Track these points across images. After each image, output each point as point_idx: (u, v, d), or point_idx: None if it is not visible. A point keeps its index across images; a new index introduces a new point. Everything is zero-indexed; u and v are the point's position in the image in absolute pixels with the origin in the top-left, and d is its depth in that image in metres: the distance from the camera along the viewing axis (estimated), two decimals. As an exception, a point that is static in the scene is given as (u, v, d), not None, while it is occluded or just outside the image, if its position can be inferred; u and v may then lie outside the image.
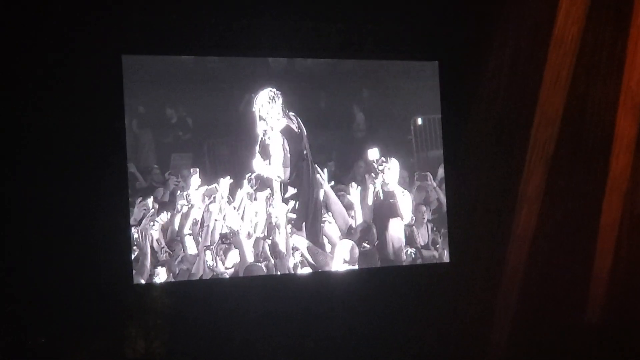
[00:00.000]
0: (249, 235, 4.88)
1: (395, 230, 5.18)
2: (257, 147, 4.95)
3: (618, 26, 4.94)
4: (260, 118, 4.96)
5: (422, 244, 5.24)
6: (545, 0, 4.89)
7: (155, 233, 4.73)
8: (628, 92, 4.95)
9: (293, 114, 5.02)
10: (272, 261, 4.91)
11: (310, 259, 4.98)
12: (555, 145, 4.97)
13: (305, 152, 5.04)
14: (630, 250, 5.07)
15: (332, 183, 5.09)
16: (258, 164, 4.93)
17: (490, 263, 5.07)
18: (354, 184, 5.13)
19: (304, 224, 5.00)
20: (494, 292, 5.07)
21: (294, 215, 4.98)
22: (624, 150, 4.98)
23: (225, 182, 4.85)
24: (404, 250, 5.20)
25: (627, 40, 4.94)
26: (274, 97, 4.97)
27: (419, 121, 5.30)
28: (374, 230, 5.13)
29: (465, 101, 5.14)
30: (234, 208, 4.86)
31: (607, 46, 4.97)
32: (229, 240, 4.83)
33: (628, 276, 5.09)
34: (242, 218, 4.88)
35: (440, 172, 5.29)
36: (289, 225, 4.96)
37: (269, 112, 4.97)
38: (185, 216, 4.80)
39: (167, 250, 4.76)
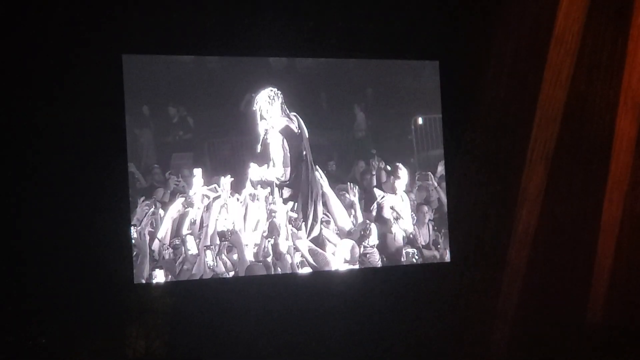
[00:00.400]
0: (250, 235, 4.88)
1: (397, 229, 5.19)
2: (259, 147, 4.95)
3: (618, 26, 4.94)
4: (261, 117, 4.96)
5: (423, 243, 5.23)
6: (546, 1, 4.88)
7: (156, 233, 4.73)
8: (628, 92, 4.95)
9: (294, 114, 5.03)
10: (273, 261, 4.90)
11: (310, 259, 4.98)
12: (555, 144, 4.96)
13: (304, 152, 5.04)
14: (631, 250, 5.06)
15: (333, 183, 5.09)
16: (255, 171, 4.93)
17: (491, 263, 5.06)
18: (352, 184, 5.12)
19: (303, 223, 5.00)
20: (495, 292, 5.06)
21: (294, 215, 4.98)
22: (624, 149, 4.97)
23: (226, 181, 4.85)
24: (405, 250, 5.20)
25: (627, 40, 4.94)
26: (273, 97, 4.98)
27: (420, 120, 5.30)
28: (375, 230, 5.13)
29: (466, 101, 5.14)
30: (238, 200, 4.86)
31: (607, 45, 4.96)
32: (227, 239, 4.83)
33: (629, 275, 5.08)
34: (245, 217, 4.88)
35: (441, 171, 5.29)
36: (289, 225, 4.96)
37: (269, 111, 4.97)
38: (185, 216, 4.80)
39: (170, 249, 4.76)
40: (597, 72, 4.96)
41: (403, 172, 5.22)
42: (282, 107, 5.00)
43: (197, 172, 4.83)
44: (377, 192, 5.18)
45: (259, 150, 4.96)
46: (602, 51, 4.95)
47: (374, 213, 5.17)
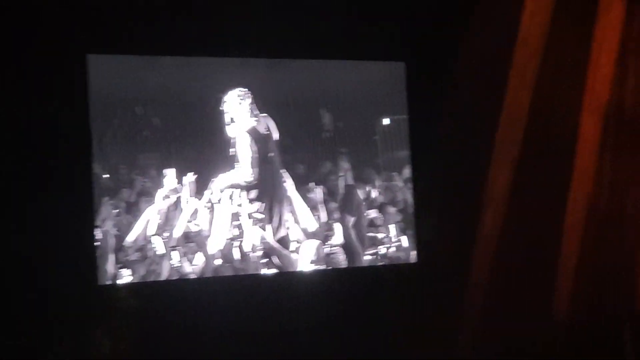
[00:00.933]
0: (215, 236, 4.87)
1: (364, 230, 5.20)
2: (230, 149, 4.94)
3: (582, 28, 4.97)
4: (230, 118, 4.96)
5: (390, 244, 5.24)
6: (511, 3, 4.90)
7: (124, 234, 4.71)
8: (592, 94, 4.97)
9: (263, 114, 5.03)
10: (239, 262, 4.90)
11: (276, 260, 4.98)
12: (521, 145, 4.97)
13: (272, 153, 5.04)
14: (595, 249, 5.09)
15: (299, 183, 5.09)
16: (221, 179, 4.92)
17: (457, 263, 5.06)
18: (317, 185, 5.13)
19: (269, 224, 4.99)
20: (461, 292, 5.06)
21: (260, 216, 4.98)
22: (588, 150, 5.00)
23: (192, 181, 4.84)
24: (371, 250, 5.21)
25: (591, 43, 4.97)
26: (242, 97, 4.98)
27: (386, 121, 5.31)
28: (340, 230, 5.13)
29: (432, 102, 5.12)
30: (204, 200, 4.85)
31: (571, 48, 4.99)
32: (193, 240, 4.82)
33: (594, 275, 5.10)
34: (211, 218, 4.88)
35: (407, 172, 5.30)
36: (255, 226, 4.95)
37: (237, 112, 4.97)
38: (151, 216, 4.78)
39: (135, 250, 4.74)
40: (562, 74, 4.98)
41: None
42: (250, 107, 5.00)
43: (165, 172, 4.82)
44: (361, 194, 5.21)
45: (230, 153, 4.95)
46: (567, 54, 4.97)
47: (355, 213, 5.18)
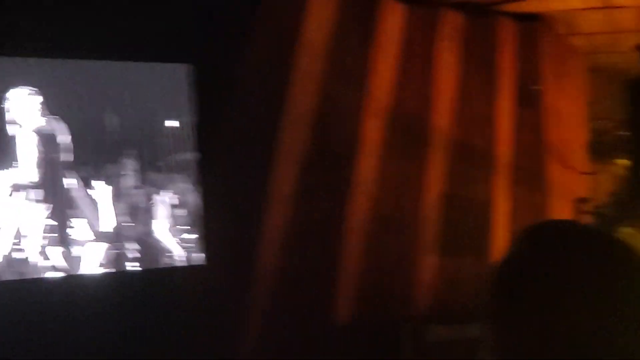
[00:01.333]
0: (-3, 239, 4.76)
1: (154, 232, 5.17)
2: (9, 148, 4.82)
3: (364, 32, 5.02)
4: (11, 117, 4.83)
5: (179, 246, 5.23)
6: (295, 6, 4.90)
7: None
8: (373, 97, 5.04)
9: (50, 115, 4.91)
10: (21, 265, 4.79)
11: (61, 264, 4.89)
12: (305, 148, 5.00)
13: (57, 155, 4.94)
14: (378, 252, 5.18)
15: (87, 185, 5.01)
16: (4, 177, 4.81)
17: (244, 264, 5.08)
18: (104, 185, 5.06)
19: (54, 227, 4.90)
20: (247, 294, 5.08)
21: (46, 219, 4.88)
22: (370, 153, 5.07)
23: None
24: (161, 253, 5.19)
25: (372, 46, 5.03)
26: (26, 96, 4.86)
27: (173, 124, 5.27)
28: (130, 232, 5.09)
29: (219, 104, 5.09)
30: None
31: (354, 52, 5.04)
32: (-29, 245, 4.70)
33: (376, 277, 5.20)
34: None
35: (195, 173, 5.27)
36: (41, 229, 4.85)
37: (23, 111, 4.85)
38: None
39: None
40: (345, 77, 5.03)
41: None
42: (37, 107, 4.88)
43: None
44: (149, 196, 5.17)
45: (12, 152, 4.83)
46: (349, 57, 5.03)
47: (143, 215, 5.14)
